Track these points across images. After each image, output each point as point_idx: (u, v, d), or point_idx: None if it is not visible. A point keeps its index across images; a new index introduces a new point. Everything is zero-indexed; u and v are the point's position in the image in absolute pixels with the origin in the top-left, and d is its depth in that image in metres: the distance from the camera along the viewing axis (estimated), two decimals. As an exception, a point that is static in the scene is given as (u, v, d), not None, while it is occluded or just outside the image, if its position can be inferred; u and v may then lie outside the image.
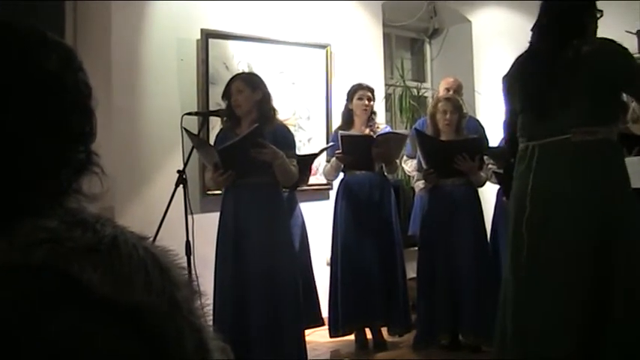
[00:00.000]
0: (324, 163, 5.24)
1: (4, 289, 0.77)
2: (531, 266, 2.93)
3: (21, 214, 0.82)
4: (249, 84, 4.14)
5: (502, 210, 5.21)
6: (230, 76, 4.40)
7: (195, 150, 4.04)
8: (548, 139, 2.97)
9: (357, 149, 4.96)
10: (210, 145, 4.20)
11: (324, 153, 5.25)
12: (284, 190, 4.49)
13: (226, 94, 4.17)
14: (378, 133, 5.08)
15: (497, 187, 5.30)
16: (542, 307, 2.90)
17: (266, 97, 4.19)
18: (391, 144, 5.02)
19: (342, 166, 5.06)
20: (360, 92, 5.15)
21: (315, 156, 5.16)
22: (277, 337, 3.99)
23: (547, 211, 2.92)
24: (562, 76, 2.93)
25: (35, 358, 0.75)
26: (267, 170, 4.05)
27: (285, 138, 4.19)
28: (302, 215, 5.00)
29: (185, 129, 3.93)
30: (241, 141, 3.95)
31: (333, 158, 5.03)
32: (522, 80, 3.10)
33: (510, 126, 3.33)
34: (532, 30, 3.13)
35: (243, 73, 4.51)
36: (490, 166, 5.12)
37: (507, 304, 3.05)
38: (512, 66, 3.22)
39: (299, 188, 5.05)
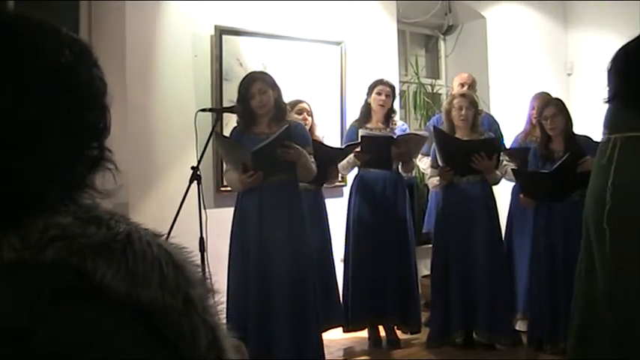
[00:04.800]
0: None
1: (16, 287, 0.76)
2: (616, 262, 2.86)
3: (33, 210, 0.81)
4: (270, 84, 4.19)
5: (518, 208, 5.20)
6: (244, 73, 4.41)
7: (207, 147, 4.03)
8: (632, 132, 2.87)
9: (376, 149, 4.96)
10: (241, 146, 4.16)
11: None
12: (311, 186, 4.61)
13: (245, 95, 4.18)
14: (397, 133, 5.10)
15: (513, 184, 5.28)
16: (630, 303, 2.84)
17: (281, 95, 4.27)
18: (411, 144, 5.04)
19: (359, 163, 5.06)
20: (379, 87, 5.16)
21: (342, 153, 5.10)
22: (297, 334, 4.03)
23: (628, 207, 2.83)
24: None
25: (47, 356, 0.74)
26: (290, 168, 4.12)
27: (303, 135, 4.26)
28: (324, 213, 5.00)
29: (216, 132, 3.96)
30: (274, 142, 3.99)
31: (351, 155, 5.02)
32: (615, 68, 2.96)
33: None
34: None
35: (258, 72, 4.48)
36: (505, 163, 5.11)
37: (589, 299, 2.99)
38: (620, 49, 3.02)
39: (329, 185, 5.08)
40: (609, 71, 3.01)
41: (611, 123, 2.98)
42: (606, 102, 3.00)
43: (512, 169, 4.99)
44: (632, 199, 2.82)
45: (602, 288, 2.92)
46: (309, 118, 4.99)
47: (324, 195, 5.05)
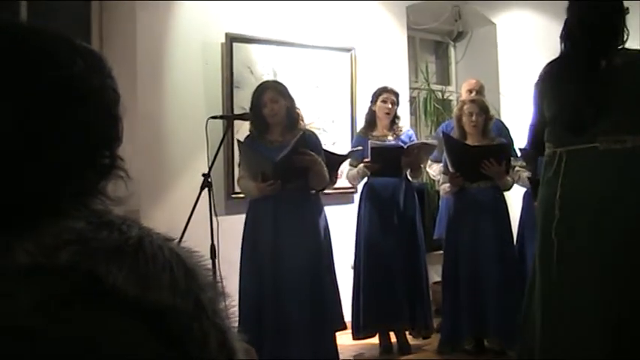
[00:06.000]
0: (348, 167, 5.23)
1: (29, 289, 0.77)
2: (561, 272, 2.90)
3: (47, 215, 0.83)
4: (281, 93, 4.23)
5: (529, 213, 5.17)
6: (254, 80, 4.44)
7: (218, 154, 4.05)
8: (577, 146, 2.93)
9: (386, 159, 4.96)
10: (262, 155, 4.19)
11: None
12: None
13: (257, 104, 4.22)
14: (403, 139, 5.12)
15: (524, 190, 5.26)
16: (573, 313, 2.87)
17: (293, 104, 4.31)
18: (421, 153, 5.05)
19: (369, 173, 5.06)
20: (384, 95, 5.15)
21: (344, 159, 5.13)
22: (315, 338, 4.06)
23: (575, 219, 2.89)
24: (596, 91, 2.90)
25: (53, 357, 0.75)
26: (304, 176, 4.16)
27: (315, 143, 4.29)
28: (326, 218, 5.00)
29: (239, 140, 4.00)
30: (292, 151, 4.03)
31: (361, 165, 5.02)
32: (555, 91, 3.04)
33: (537, 132, 3.27)
34: (561, 37, 3.06)
35: (270, 81, 4.53)
36: (518, 168, 5.09)
37: (536, 308, 3.03)
38: (544, 72, 3.13)
39: (326, 190, 5.06)
40: (538, 91, 3.11)
41: (554, 138, 3.04)
42: (549, 120, 3.07)
43: (528, 178, 4.97)
44: (579, 211, 2.89)
45: (542, 297, 2.99)
46: (301, 123, 5.00)
47: (321, 200, 5.04)
